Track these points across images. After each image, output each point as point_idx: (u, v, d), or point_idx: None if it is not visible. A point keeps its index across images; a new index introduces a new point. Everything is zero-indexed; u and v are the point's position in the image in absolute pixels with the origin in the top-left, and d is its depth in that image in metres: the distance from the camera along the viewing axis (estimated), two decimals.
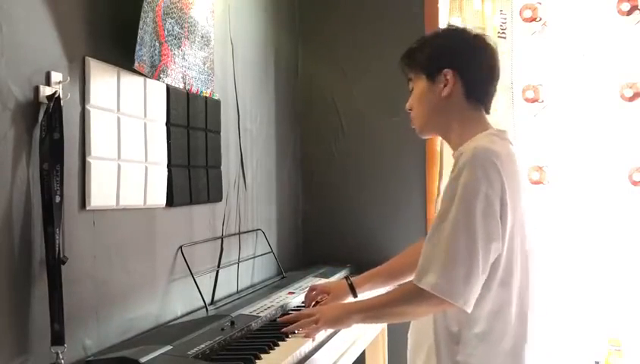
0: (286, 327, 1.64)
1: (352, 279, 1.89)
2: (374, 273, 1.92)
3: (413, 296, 1.43)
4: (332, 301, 1.84)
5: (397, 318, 1.58)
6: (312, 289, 1.92)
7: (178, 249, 1.89)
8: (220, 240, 2.15)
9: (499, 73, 1.59)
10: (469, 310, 1.39)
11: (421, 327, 1.56)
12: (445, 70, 1.53)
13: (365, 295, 1.88)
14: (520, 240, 1.46)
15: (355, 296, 1.87)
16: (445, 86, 1.53)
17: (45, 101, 1.34)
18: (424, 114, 1.59)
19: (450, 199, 1.41)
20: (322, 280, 2.38)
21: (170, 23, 1.76)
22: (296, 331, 1.65)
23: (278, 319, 1.68)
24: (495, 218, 1.39)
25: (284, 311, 1.91)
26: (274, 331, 1.66)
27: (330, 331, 1.72)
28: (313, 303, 1.89)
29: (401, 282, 1.90)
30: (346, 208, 2.96)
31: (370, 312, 1.58)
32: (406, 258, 1.87)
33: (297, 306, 2.00)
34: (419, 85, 1.59)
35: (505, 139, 1.54)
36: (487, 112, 1.60)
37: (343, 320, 1.59)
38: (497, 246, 1.40)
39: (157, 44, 1.69)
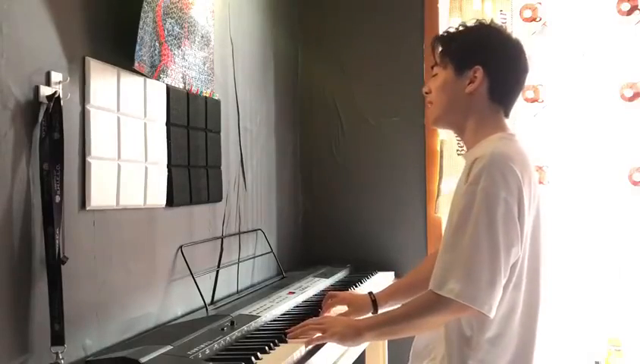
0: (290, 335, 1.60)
1: (375, 294, 1.81)
2: (395, 289, 1.86)
3: (434, 305, 1.40)
4: (351, 315, 1.77)
5: (416, 330, 1.53)
6: (330, 296, 1.85)
7: (178, 249, 1.88)
8: (220, 240, 2.15)
9: (525, 81, 1.59)
10: (492, 315, 1.37)
11: (429, 331, 1.55)
12: (476, 66, 1.51)
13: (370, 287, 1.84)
14: (531, 243, 1.45)
15: (375, 312, 1.79)
16: (471, 82, 1.52)
17: (45, 101, 1.34)
18: (443, 105, 1.57)
19: (469, 206, 1.39)
20: (323, 280, 2.38)
21: (170, 23, 1.76)
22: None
23: (287, 331, 1.62)
24: (515, 223, 1.38)
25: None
26: (274, 331, 1.66)
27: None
28: (327, 310, 1.83)
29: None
30: (346, 208, 2.96)
31: (385, 327, 1.53)
32: (425, 270, 1.82)
33: (298, 305, 2.00)
34: (445, 73, 1.56)
35: (518, 141, 1.54)
36: (507, 116, 1.58)
37: (354, 338, 1.53)
38: (516, 251, 1.39)
39: (157, 44, 1.69)
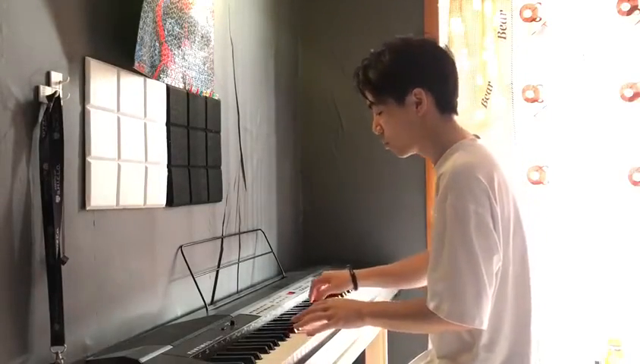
0: (296, 324, 1.61)
1: (355, 271, 1.85)
2: (378, 272, 1.89)
3: (430, 318, 1.41)
4: (333, 290, 1.81)
5: (414, 332, 1.57)
6: (314, 282, 1.86)
7: (178, 249, 1.89)
8: (220, 240, 2.15)
9: (456, 73, 1.57)
10: (485, 327, 1.38)
11: (433, 335, 1.57)
12: (415, 89, 1.49)
13: (367, 290, 1.87)
14: (514, 247, 1.45)
15: (356, 288, 1.84)
16: (419, 105, 1.50)
17: (45, 101, 1.34)
18: (404, 139, 1.57)
19: (442, 224, 1.40)
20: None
21: (170, 23, 1.76)
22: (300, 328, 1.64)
23: (292, 319, 1.63)
24: (490, 231, 1.38)
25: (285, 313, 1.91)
26: (274, 331, 1.66)
27: (330, 330, 1.70)
28: (315, 293, 1.83)
29: (403, 286, 1.93)
30: (346, 208, 2.96)
31: (387, 319, 1.58)
32: (411, 265, 1.84)
33: (298, 305, 2.00)
34: (389, 110, 1.54)
35: (480, 144, 1.54)
36: (457, 113, 1.57)
37: (356, 321, 1.56)
38: (498, 258, 1.39)
39: (157, 44, 1.69)
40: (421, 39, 1.59)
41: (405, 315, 1.52)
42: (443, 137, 1.53)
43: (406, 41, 1.56)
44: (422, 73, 1.51)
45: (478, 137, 1.59)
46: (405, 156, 1.63)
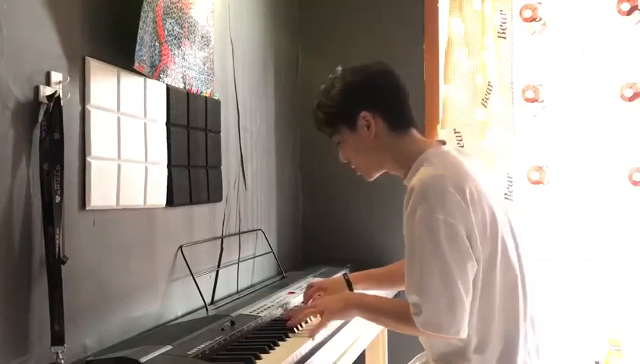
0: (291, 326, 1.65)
1: (349, 275, 1.90)
2: (371, 274, 1.93)
3: (412, 325, 1.42)
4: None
5: (396, 331, 1.60)
6: (309, 286, 1.93)
7: (178, 249, 1.89)
8: (220, 240, 2.15)
9: (407, 91, 1.60)
10: (464, 336, 1.39)
11: (424, 339, 1.58)
12: (361, 113, 1.54)
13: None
14: (492, 251, 1.44)
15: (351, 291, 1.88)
16: (369, 127, 1.55)
17: (45, 101, 1.34)
18: (365, 163, 1.63)
19: (412, 238, 1.42)
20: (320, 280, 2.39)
21: (170, 23, 1.76)
22: (300, 328, 1.66)
23: (288, 323, 1.67)
24: (462, 240, 1.38)
25: (285, 310, 1.91)
26: (274, 331, 1.66)
27: (330, 330, 1.71)
28: (310, 301, 1.89)
29: (394, 289, 2.00)
30: (346, 209, 2.96)
31: (373, 314, 1.60)
32: (398, 269, 1.86)
33: (297, 306, 2.00)
34: (345, 139, 1.61)
35: (446, 151, 1.54)
36: (416, 126, 1.60)
37: (345, 313, 1.61)
38: (472, 265, 1.40)
39: (157, 44, 1.69)
40: (363, 65, 1.61)
41: (391, 315, 1.54)
42: (404, 153, 1.57)
43: (346, 71, 1.61)
44: (365, 97, 1.56)
45: (444, 143, 1.60)
46: (372, 179, 1.70)
